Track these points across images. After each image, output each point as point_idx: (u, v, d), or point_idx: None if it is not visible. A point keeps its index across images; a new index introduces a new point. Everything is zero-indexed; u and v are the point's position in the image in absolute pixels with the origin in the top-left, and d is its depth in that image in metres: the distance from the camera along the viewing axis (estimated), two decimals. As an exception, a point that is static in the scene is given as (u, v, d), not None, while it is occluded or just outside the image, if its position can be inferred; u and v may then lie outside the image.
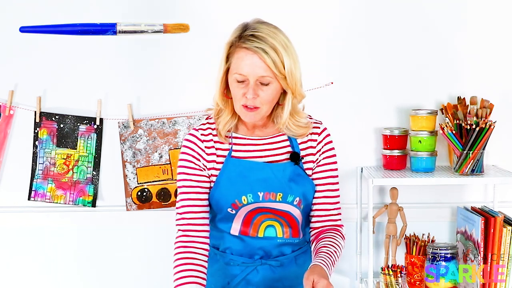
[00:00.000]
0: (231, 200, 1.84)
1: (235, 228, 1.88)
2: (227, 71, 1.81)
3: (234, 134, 1.88)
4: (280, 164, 1.87)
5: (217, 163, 1.86)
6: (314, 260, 1.80)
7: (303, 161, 1.89)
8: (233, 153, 1.86)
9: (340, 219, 1.93)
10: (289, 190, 1.85)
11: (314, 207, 1.92)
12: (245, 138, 1.89)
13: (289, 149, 1.89)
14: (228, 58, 1.79)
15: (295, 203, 1.86)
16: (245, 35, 1.75)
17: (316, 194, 1.91)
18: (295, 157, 1.86)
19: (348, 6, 2.59)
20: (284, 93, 1.83)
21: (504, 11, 2.59)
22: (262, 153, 1.87)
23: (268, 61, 1.73)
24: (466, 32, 2.60)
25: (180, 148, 2.58)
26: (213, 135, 1.87)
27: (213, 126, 1.88)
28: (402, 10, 2.59)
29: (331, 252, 1.81)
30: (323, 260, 1.77)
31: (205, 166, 1.86)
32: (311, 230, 1.94)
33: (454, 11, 2.59)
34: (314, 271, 1.71)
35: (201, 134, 1.87)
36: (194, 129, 1.89)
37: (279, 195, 1.84)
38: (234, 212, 1.85)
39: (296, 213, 1.88)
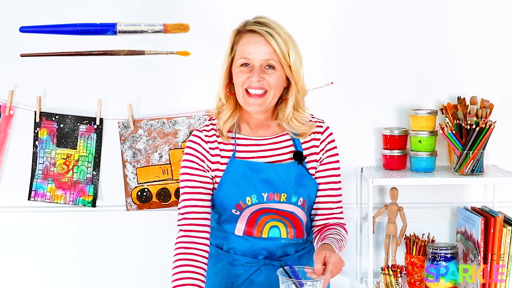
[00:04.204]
0: (235, 201, 1.84)
1: (240, 228, 1.87)
2: (231, 62, 1.83)
3: (237, 135, 1.88)
4: (284, 164, 1.86)
5: (221, 164, 1.86)
6: (321, 244, 1.79)
7: (306, 160, 1.89)
8: (237, 154, 1.86)
9: (343, 218, 1.93)
10: (293, 190, 1.85)
11: (317, 205, 1.91)
12: (248, 139, 1.88)
13: (292, 148, 1.88)
14: (232, 48, 1.82)
15: (299, 203, 1.86)
16: (251, 22, 1.80)
17: (319, 193, 1.91)
18: (298, 156, 1.86)
19: (348, 6, 2.59)
20: (286, 88, 1.85)
21: (504, 11, 2.59)
22: (265, 153, 1.87)
23: (274, 44, 1.76)
24: (466, 32, 2.60)
25: (180, 148, 2.59)
26: (217, 136, 1.87)
27: (216, 127, 1.88)
28: (402, 10, 2.59)
29: (338, 240, 1.81)
30: (332, 243, 1.77)
31: (209, 168, 1.85)
32: (313, 227, 1.93)
33: (454, 11, 2.59)
34: (326, 248, 1.71)
35: (205, 136, 1.86)
36: (198, 130, 1.89)
37: (283, 195, 1.84)
38: (238, 213, 1.85)
39: (300, 213, 1.87)
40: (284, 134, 1.90)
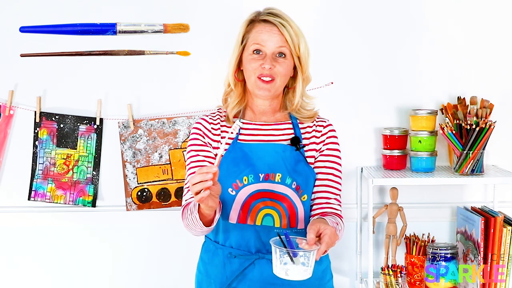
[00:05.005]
0: (232, 179, 1.88)
1: (233, 216, 1.89)
2: (242, 50, 1.91)
3: (241, 120, 1.96)
4: (280, 144, 1.92)
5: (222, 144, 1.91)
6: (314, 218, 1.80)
7: (305, 149, 1.94)
8: (240, 137, 1.93)
9: (340, 210, 1.94)
10: (287, 172, 1.88)
11: (314, 195, 1.93)
12: (251, 123, 1.96)
13: (292, 136, 1.95)
14: (244, 37, 1.90)
15: (293, 186, 1.88)
16: (264, 13, 1.90)
17: (317, 182, 1.94)
18: (295, 141, 1.92)
19: (348, 6, 2.59)
20: (293, 77, 1.94)
21: (503, 11, 2.59)
22: (265, 137, 1.94)
23: (286, 34, 1.86)
24: (466, 32, 2.60)
25: (180, 148, 2.59)
26: (221, 121, 1.97)
27: (222, 114, 1.98)
28: (402, 10, 2.59)
29: (333, 222, 1.81)
30: (327, 219, 1.77)
31: (210, 144, 1.94)
32: (310, 218, 1.93)
33: (454, 11, 2.59)
34: (320, 221, 1.72)
35: (210, 118, 1.98)
36: (205, 115, 2.00)
37: (278, 175, 1.88)
38: (234, 193, 1.88)
39: (295, 198, 1.89)
40: (286, 123, 1.96)
